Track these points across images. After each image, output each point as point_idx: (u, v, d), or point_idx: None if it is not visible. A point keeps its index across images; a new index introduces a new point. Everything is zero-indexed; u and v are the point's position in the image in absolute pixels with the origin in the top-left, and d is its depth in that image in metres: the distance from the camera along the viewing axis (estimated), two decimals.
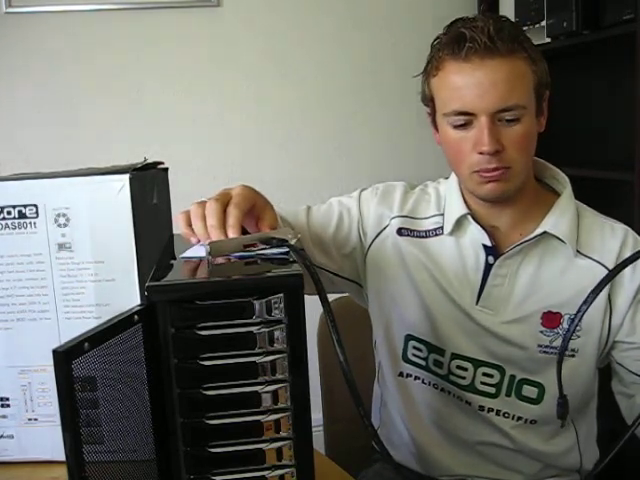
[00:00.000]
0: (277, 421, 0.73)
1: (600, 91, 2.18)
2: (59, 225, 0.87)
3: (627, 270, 1.03)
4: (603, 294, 1.03)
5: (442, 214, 1.14)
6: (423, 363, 1.16)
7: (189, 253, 0.87)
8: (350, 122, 2.47)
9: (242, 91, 2.40)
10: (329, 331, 0.75)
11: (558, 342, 1.06)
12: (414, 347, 1.16)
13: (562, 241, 1.06)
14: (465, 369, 1.12)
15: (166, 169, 1.09)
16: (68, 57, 2.27)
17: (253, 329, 0.71)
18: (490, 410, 1.12)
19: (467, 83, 0.98)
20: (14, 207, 0.87)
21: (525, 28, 2.18)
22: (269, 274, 0.75)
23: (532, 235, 1.06)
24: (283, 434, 0.73)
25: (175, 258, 0.89)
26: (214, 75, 2.37)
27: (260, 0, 2.38)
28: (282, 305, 0.71)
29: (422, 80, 1.07)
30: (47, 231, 0.87)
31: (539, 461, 1.14)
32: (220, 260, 0.79)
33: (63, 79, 2.27)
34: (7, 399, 0.91)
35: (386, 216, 1.17)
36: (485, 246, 1.09)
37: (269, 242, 0.82)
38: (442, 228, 1.13)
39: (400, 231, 1.16)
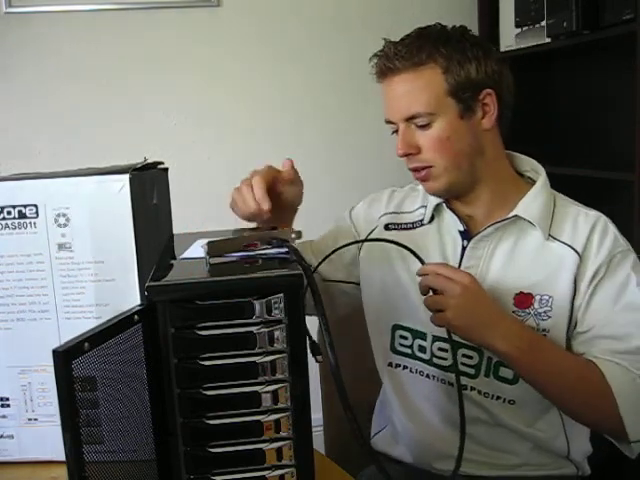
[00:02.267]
0: (277, 421, 0.73)
1: (600, 91, 2.18)
2: (59, 225, 0.87)
3: (591, 253, 1.10)
4: (569, 276, 1.09)
5: (426, 206, 1.23)
6: (409, 351, 1.22)
7: (189, 253, 0.87)
8: (350, 123, 2.47)
9: (242, 91, 2.40)
10: (322, 335, 0.75)
11: (529, 322, 1.11)
12: (401, 336, 1.22)
13: (533, 225, 1.13)
14: (446, 350, 1.17)
15: (166, 169, 1.09)
16: (68, 57, 2.26)
17: (253, 329, 0.71)
18: (472, 389, 1.16)
19: (385, 98, 1.16)
20: (14, 207, 0.87)
21: (525, 28, 2.19)
22: (269, 274, 0.75)
23: (503, 218, 1.14)
24: (283, 434, 0.73)
25: (175, 258, 0.89)
26: (214, 75, 2.37)
27: (260, 0, 2.38)
28: (282, 305, 0.71)
29: None
30: (47, 231, 0.87)
31: (528, 440, 1.17)
32: (220, 260, 0.79)
33: (63, 79, 2.27)
34: (7, 399, 0.91)
35: (375, 217, 1.28)
36: (460, 231, 1.17)
37: (270, 242, 0.82)
38: (425, 218, 1.23)
39: (387, 226, 1.26)
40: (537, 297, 1.11)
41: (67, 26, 2.25)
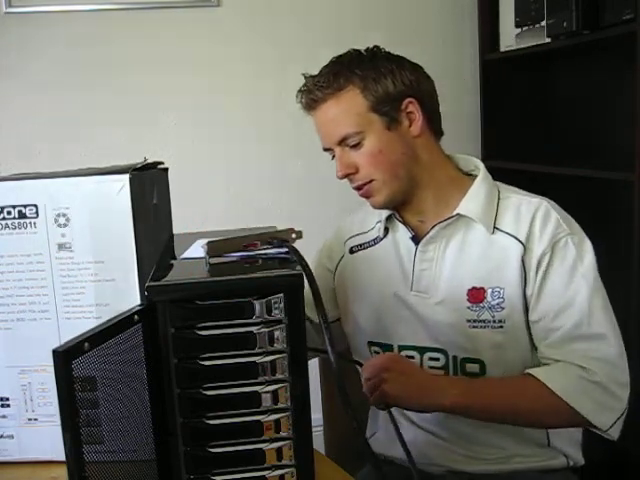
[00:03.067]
0: (277, 421, 0.73)
1: (600, 91, 2.18)
2: (59, 225, 0.87)
3: (535, 240, 1.12)
4: (517, 265, 1.12)
5: (381, 220, 1.27)
6: None
7: (189, 253, 0.87)
8: None
9: (242, 91, 2.39)
10: (323, 339, 0.75)
11: (485, 315, 1.13)
12: (374, 352, 1.26)
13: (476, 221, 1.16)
14: (412, 357, 1.20)
15: (166, 169, 1.09)
16: (68, 57, 2.26)
17: (253, 329, 0.71)
18: None
19: (316, 128, 1.23)
20: (14, 207, 0.87)
21: (525, 28, 2.19)
22: (269, 274, 0.75)
23: (444, 217, 1.17)
24: (283, 434, 0.73)
25: (175, 258, 0.89)
26: (214, 75, 2.37)
27: (260, 0, 2.38)
28: (282, 305, 0.71)
29: None
30: (47, 231, 0.87)
31: (508, 434, 1.18)
32: (220, 260, 0.79)
33: (63, 79, 2.26)
34: (7, 399, 0.91)
35: (341, 244, 1.33)
36: (411, 238, 1.21)
37: (270, 242, 0.82)
38: (381, 231, 1.26)
39: (352, 250, 1.30)
40: (489, 290, 1.13)
41: (67, 26, 2.25)
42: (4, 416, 0.91)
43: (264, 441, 0.73)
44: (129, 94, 2.31)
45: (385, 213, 1.24)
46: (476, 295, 1.14)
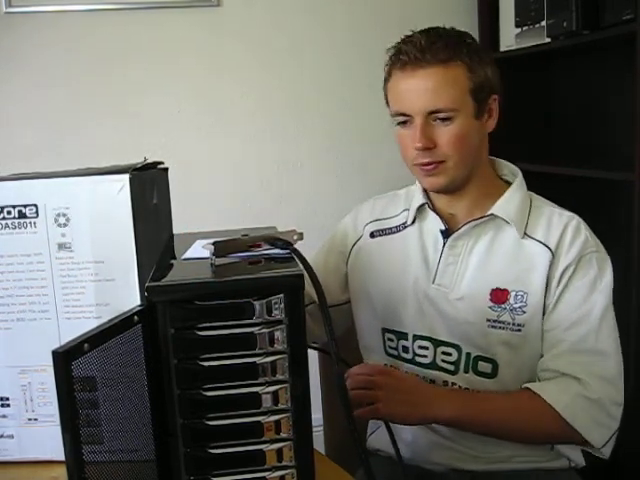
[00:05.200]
0: (277, 422, 0.73)
1: (600, 91, 2.18)
2: (59, 225, 0.87)
3: (563, 251, 1.14)
4: (543, 273, 1.14)
5: (409, 209, 1.27)
6: (395, 353, 1.25)
7: (190, 253, 0.87)
8: (349, 122, 2.47)
9: (242, 91, 2.39)
10: (327, 336, 0.75)
11: (505, 317, 1.15)
12: (388, 339, 1.26)
13: (509, 223, 1.17)
14: (426, 348, 1.21)
15: (166, 169, 1.09)
16: (68, 57, 2.26)
17: (253, 329, 0.71)
18: (453, 384, 1.19)
19: (404, 89, 1.14)
20: (14, 207, 0.87)
21: (525, 28, 2.18)
22: (269, 274, 0.75)
23: (477, 216, 1.18)
24: (283, 435, 0.73)
25: (175, 258, 0.89)
26: (214, 75, 2.37)
27: (260, 0, 2.38)
28: (282, 305, 0.71)
29: (383, 85, 1.22)
30: (47, 231, 0.87)
31: None
32: (224, 260, 0.79)
33: (63, 78, 2.26)
34: (7, 399, 0.91)
35: (359, 227, 1.32)
36: (441, 230, 1.21)
37: (273, 243, 0.83)
38: (408, 220, 1.26)
39: (372, 234, 1.30)
40: (512, 293, 1.15)
41: (67, 26, 2.25)
42: (4, 416, 0.91)
43: (264, 442, 0.73)
44: (129, 94, 2.31)
45: (417, 202, 1.24)
46: (499, 296, 1.15)
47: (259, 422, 0.73)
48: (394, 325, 1.24)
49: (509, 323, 1.14)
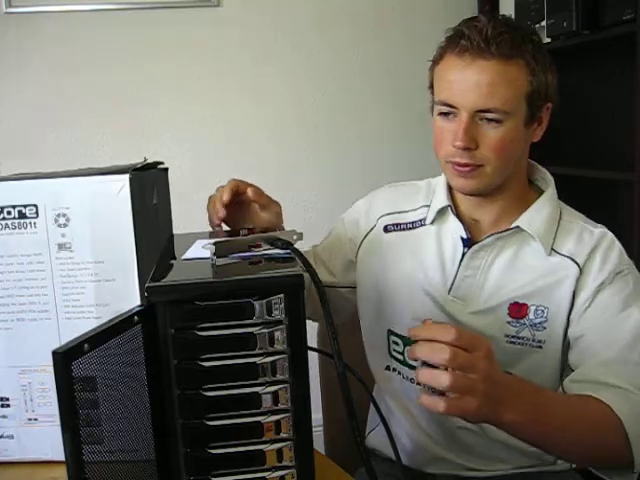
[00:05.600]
0: (277, 422, 0.73)
1: (600, 91, 2.18)
2: (59, 225, 0.87)
3: (594, 267, 1.07)
4: (568, 289, 1.07)
5: (429, 205, 1.18)
6: (401, 357, 1.19)
7: (190, 253, 0.86)
8: (349, 123, 2.47)
9: (242, 91, 2.39)
10: (329, 338, 0.75)
11: (525, 333, 1.08)
12: (394, 342, 1.19)
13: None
14: None
15: (166, 169, 1.09)
16: (68, 57, 2.26)
17: (253, 330, 0.71)
18: None
19: (456, 78, 1.03)
20: (14, 207, 0.87)
21: None
22: (269, 274, 0.75)
23: (504, 229, 1.10)
24: (283, 435, 0.73)
25: (175, 258, 0.89)
26: (214, 75, 2.37)
27: (260, 0, 2.38)
28: (282, 305, 0.71)
29: (430, 66, 1.11)
30: (47, 231, 0.87)
31: (516, 450, 1.14)
32: (224, 260, 0.79)
33: (63, 79, 2.26)
34: (7, 399, 0.91)
35: (373, 217, 1.23)
36: (463, 238, 1.12)
37: (274, 243, 0.83)
38: (427, 219, 1.18)
39: (386, 228, 1.21)
40: (532, 307, 1.08)
41: (67, 26, 2.25)
42: (4, 416, 0.91)
43: (264, 442, 0.73)
44: (129, 94, 2.31)
45: (440, 203, 1.15)
46: (518, 310, 1.08)
47: (259, 422, 0.73)
48: (402, 329, 1.16)
49: (529, 339, 1.08)
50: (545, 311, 1.07)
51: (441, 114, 1.06)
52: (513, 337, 1.09)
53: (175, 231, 1.11)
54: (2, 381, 0.90)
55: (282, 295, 0.71)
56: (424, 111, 1.15)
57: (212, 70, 2.36)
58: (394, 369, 1.22)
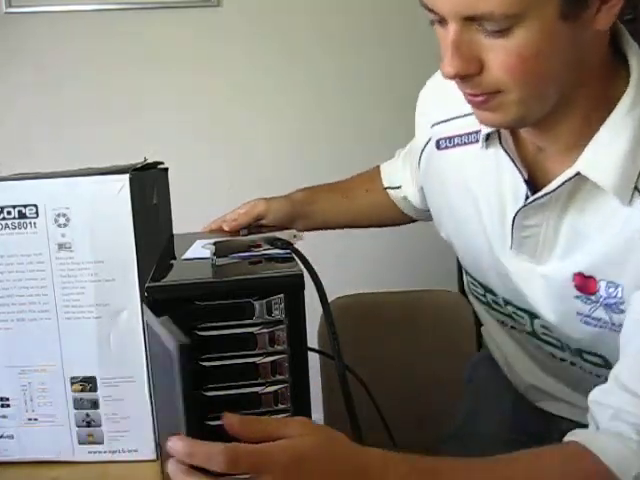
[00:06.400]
0: None
1: None
2: (59, 225, 0.87)
3: None
4: None
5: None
6: (484, 299, 1.00)
7: (190, 253, 0.87)
8: (351, 123, 2.47)
9: (242, 91, 2.39)
10: (329, 338, 0.75)
11: (599, 313, 0.81)
12: (472, 283, 1.00)
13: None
14: (522, 317, 0.93)
15: (166, 169, 1.09)
16: (68, 57, 2.26)
17: (253, 330, 0.71)
18: (563, 360, 0.93)
19: None
20: (14, 207, 0.87)
21: None
22: (269, 274, 0.75)
23: (562, 180, 0.77)
24: None
25: (175, 258, 0.89)
26: (214, 75, 2.37)
27: (260, 0, 2.38)
28: (282, 305, 0.71)
29: None
30: (47, 231, 0.87)
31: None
32: (224, 260, 0.79)
33: (63, 79, 2.26)
34: (7, 399, 0.91)
35: (427, 125, 0.95)
36: (525, 180, 0.82)
37: (274, 243, 0.83)
38: (478, 133, 0.86)
39: (438, 144, 0.93)
40: (602, 283, 0.80)
41: (67, 26, 2.25)
42: (4, 416, 0.91)
43: None
44: (129, 94, 2.31)
45: (486, 128, 0.83)
46: (584, 284, 0.81)
47: None
48: (477, 276, 0.96)
49: (607, 322, 0.81)
50: (618, 289, 0.78)
51: (432, 22, 0.74)
52: (586, 317, 0.83)
53: (175, 231, 1.11)
54: (2, 381, 0.90)
55: (282, 295, 0.71)
56: None
57: (212, 70, 2.36)
58: (475, 296, 1.04)
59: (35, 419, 0.90)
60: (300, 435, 0.60)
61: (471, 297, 1.08)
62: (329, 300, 0.76)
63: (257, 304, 0.71)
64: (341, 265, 2.29)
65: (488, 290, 0.96)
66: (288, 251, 0.81)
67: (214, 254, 0.78)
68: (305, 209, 1.21)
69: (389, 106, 2.45)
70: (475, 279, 0.98)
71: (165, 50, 2.31)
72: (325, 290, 0.76)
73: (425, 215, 1.10)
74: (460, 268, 1.15)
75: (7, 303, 0.88)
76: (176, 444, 0.56)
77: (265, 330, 0.71)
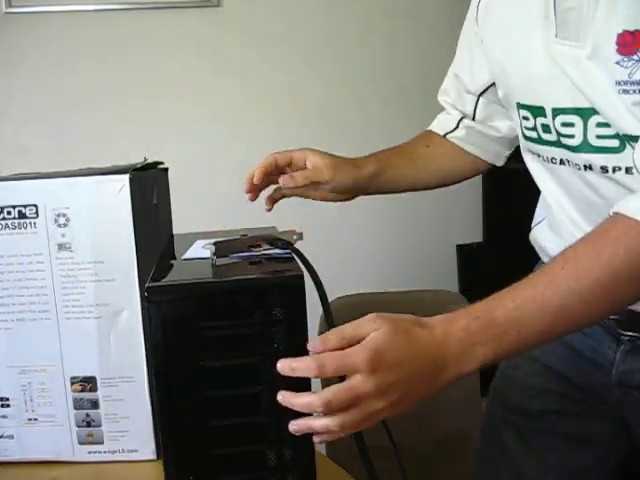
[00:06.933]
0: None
1: None
2: (59, 225, 0.87)
3: None
4: None
5: None
6: (535, 135, 0.96)
7: (190, 253, 0.87)
8: (353, 121, 2.47)
9: (242, 91, 2.39)
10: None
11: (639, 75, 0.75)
12: (524, 117, 0.96)
13: None
14: (572, 125, 0.87)
15: (166, 169, 1.09)
16: (68, 57, 2.26)
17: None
18: (617, 169, 0.84)
19: None
20: (14, 207, 0.87)
21: None
22: (269, 274, 0.75)
23: None
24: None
25: (175, 258, 0.89)
26: (214, 75, 2.37)
27: (260, 0, 2.38)
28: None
29: None
30: (47, 231, 0.87)
31: None
32: (224, 260, 0.79)
33: (63, 79, 2.26)
34: (7, 399, 0.91)
35: None
36: None
37: (274, 243, 0.83)
38: None
39: None
40: None
41: (67, 26, 2.25)
42: (4, 416, 0.91)
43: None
44: (129, 94, 2.31)
45: None
46: (628, 43, 0.75)
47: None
48: (527, 98, 0.93)
49: None
50: None
51: None
52: (625, 83, 0.77)
53: (175, 231, 1.11)
54: (2, 381, 0.90)
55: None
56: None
57: (212, 70, 2.36)
58: (532, 152, 1.01)
59: (35, 419, 0.90)
60: (374, 330, 0.68)
61: (527, 158, 1.03)
62: (329, 300, 0.76)
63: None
64: (341, 265, 2.29)
65: (536, 111, 0.92)
66: (288, 251, 0.81)
67: (214, 254, 0.78)
68: (371, 183, 1.19)
69: (395, 112, 2.45)
70: (527, 106, 0.94)
71: (165, 50, 2.32)
72: (325, 290, 0.76)
73: (491, 146, 1.16)
74: (460, 268, 1.15)
75: (7, 303, 0.88)
76: (283, 367, 0.66)
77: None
